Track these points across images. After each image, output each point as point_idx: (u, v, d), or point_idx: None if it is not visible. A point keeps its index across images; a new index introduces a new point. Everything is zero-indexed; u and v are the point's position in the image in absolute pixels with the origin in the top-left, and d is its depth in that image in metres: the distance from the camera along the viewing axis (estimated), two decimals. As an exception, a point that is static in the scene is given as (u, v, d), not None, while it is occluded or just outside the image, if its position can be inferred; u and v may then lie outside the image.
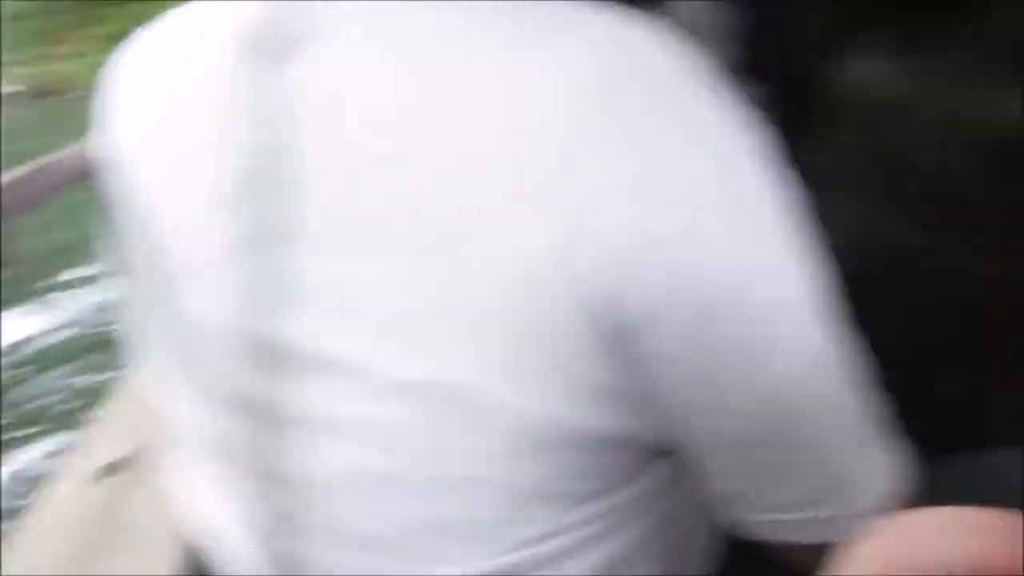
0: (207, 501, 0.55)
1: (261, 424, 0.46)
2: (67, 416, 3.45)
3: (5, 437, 3.44)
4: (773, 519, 0.42)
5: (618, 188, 0.35)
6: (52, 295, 4.44)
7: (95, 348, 3.99)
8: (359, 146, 0.40)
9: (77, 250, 4.87)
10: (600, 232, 0.35)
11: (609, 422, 0.40)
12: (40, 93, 11.61)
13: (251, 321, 0.44)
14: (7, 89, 11.49)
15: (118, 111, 0.52)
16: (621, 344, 0.37)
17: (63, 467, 0.73)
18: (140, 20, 0.54)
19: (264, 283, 0.43)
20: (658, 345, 0.37)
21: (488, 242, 0.37)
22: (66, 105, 10.99)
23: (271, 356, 0.44)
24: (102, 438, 0.77)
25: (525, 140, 0.37)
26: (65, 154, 0.58)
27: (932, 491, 0.42)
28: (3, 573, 0.58)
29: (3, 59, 12.04)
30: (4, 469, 3.23)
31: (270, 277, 0.43)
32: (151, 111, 0.50)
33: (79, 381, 3.81)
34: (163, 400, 0.56)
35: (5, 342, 4.00)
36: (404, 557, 0.46)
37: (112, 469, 0.70)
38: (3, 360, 3.94)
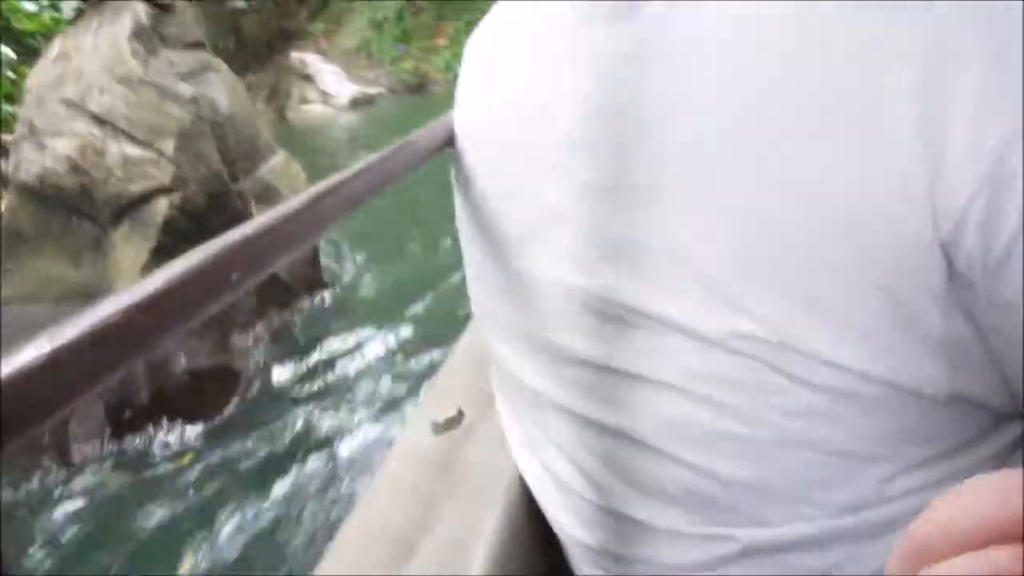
0: (540, 451, 0.57)
1: (593, 378, 0.48)
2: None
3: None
4: None
5: (988, 102, 0.32)
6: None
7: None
8: (693, 95, 0.39)
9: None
10: (967, 157, 0.32)
11: (945, 381, 0.37)
12: (406, 90, 12.85)
13: (586, 277, 0.46)
14: (372, 91, 12.91)
15: (465, 87, 0.58)
16: (967, 289, 0.34)
17: (407, 422, 0.81)
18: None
19: (598, 240, 0.44)
20: (1007, 287, 0.33)
21: (831, 182, 0.35)
22: (428, 100, 11.99)
23: (604, 312, 0.45)
24: (441, 393, 0.84)
25: (877, 69, 0.34)
26: (419, 134, 0.60)
27: None
28: (354, 522, 0.65)
29: (367, 64, 13.64)
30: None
31: (605, 234, 0.44)
32: (493, 81, 0.54)
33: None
34: (499, 356, 0.58)
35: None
36: (717, 517, 0.45)
37: (450, 423, 0.76)
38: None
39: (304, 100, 13.22)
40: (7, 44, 13.06)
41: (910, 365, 0.37)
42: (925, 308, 0.35)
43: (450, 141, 0.59)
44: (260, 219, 0.40)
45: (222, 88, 4.18)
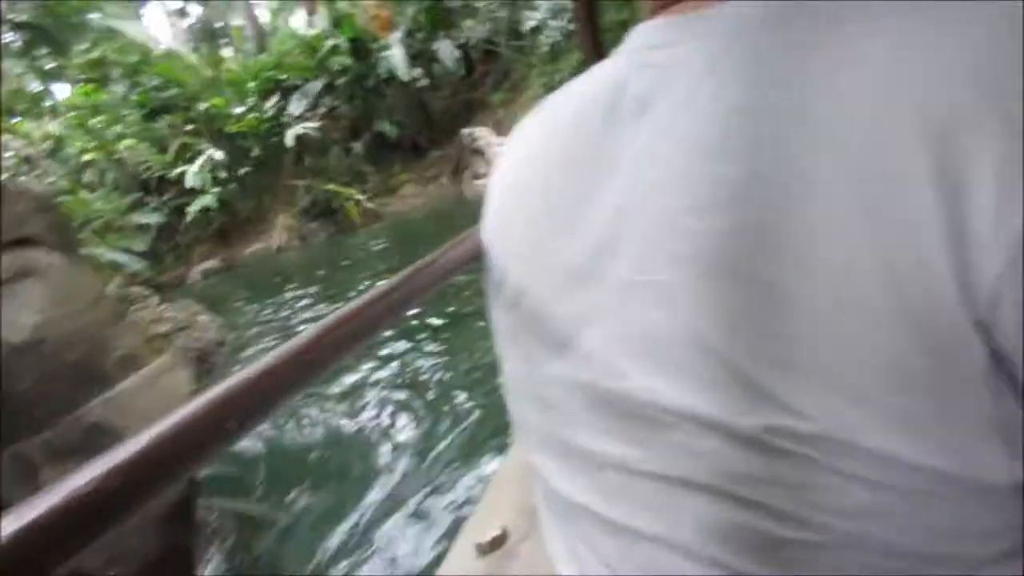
0: (584, 564, 0.54)
1: (630, 483, 0.46)
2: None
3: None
4: None
5: (1009, 179, 0.31)
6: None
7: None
8: (699, 195, 0.40)
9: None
10: (992, 237, 0.31)
11: (1005, 468, 0.34)
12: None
13: (617, 379, 0.45)
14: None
15: (493, 192, 0.60)
16: (1015, 369, 0.33)
17: (452, 543, 0.85)
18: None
19: (628, 341, 0.44)
20: None
21: (860, 269, 0.34)
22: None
23: (637, 414, 0.44)
24: (487, 513, 0.84)
25: (894, 153, 0.33)
26: (439, 253, 0.62)
27: None
28: None
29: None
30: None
31: (635, 334, 0.44)
32: (516, 187, 0.56)
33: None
34: (537, 467, 0.57)
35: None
36: None
37: (495, 543, 0.76)
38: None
39: (476, 175, 12.50)
40: (218, 147, 14.28)
41: (967, 454, 0.34)
42: (973, 392, 0.33)
43: (474, 257, 0.61)
44: (266, 358, 0.38)
45: (38, 299, 3.14)
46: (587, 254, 0.47)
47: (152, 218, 13.59)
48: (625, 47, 0.49)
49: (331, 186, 13.86)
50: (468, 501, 3.36)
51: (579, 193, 0.48)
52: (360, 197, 13.84)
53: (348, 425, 4.75)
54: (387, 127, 14.20)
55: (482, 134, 12.61)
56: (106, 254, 6.98)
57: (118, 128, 13.63)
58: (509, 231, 0.56)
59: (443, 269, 0.60)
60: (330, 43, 13.92)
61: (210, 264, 14.10)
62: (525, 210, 0.54)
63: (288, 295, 9.72)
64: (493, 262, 0.58)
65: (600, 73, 0.51)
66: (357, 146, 14.32)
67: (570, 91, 0.54)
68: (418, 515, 3.55)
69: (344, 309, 0.46)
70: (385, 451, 4.27)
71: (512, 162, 0.58)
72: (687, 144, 0.41)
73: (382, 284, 0.52)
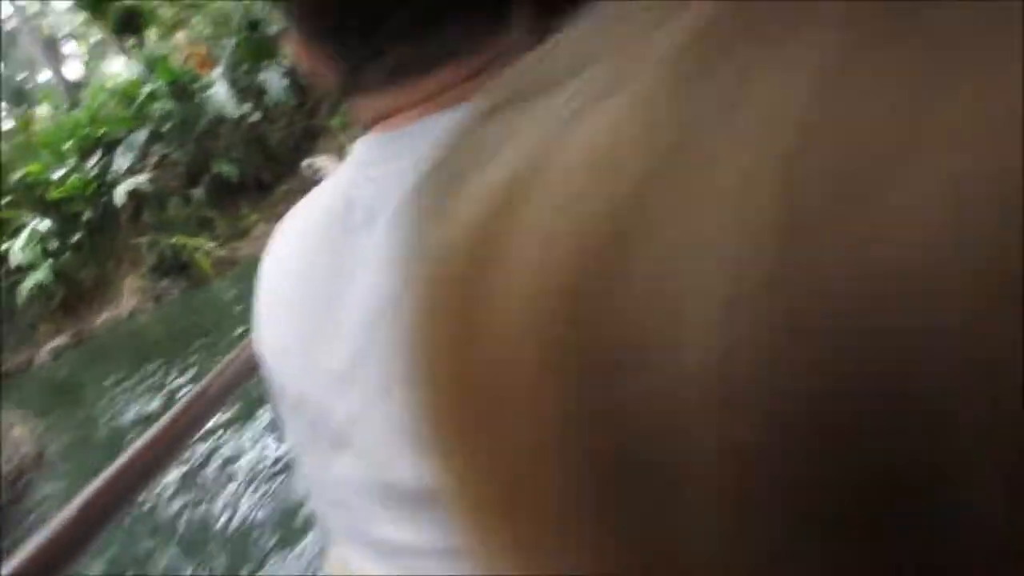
0: None
1: (428, 564, 0.49)
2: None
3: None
4: None
5: None
6: None
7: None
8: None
9: None
10: None
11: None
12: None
13: (391, 470, 0.49)
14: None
15: (258, 304, 0.60)
16: None
17: None
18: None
19: (393, 433, 0.47)
20: None
21: None
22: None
23: (419, 499, 0.48)
24: None
25: None
26: (210, 379, 0.66)
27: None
28: None
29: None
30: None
31: (397, 427, 0.46)
32: (275, 298, 0.58)
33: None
34: (348, 561, 0.59)
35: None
36: None
37: None
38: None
39: (326, 208, 12.15)
40: (44, 216, 13.28)
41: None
42: None
43: (251, 372, 0.61)
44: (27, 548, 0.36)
45: None
46: (345, 360, 0.50)
47: (-18, 304, 12.54)
48: (351, 159, 0.53)
49: (176, 238, 13.15)
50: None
51: (329, 303, 0.51)
52: (210, 246, 13.20)
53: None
54: (225, 168, 13.57)
55: (323, 163, 12.17)
56: None
57: (-77, 213, 12.45)
58: (278, 342, 0.58)
59: (218, 393, 0.61)
60: (147, 89, 13.14)
61: (59, 342, 13.12)
62: (287, 321, 0.57)
63: (127, 381, 9.14)
64: (270, 372, 0.60)
65: (336, 182, 0.55)
66: (197, 192, 13.62)
67: (316, 197, 0.57)
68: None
69: (100, 477, 0.44)
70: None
71: (270, 273, 0.60)
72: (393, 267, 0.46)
73: (138, 441, 0.52)
